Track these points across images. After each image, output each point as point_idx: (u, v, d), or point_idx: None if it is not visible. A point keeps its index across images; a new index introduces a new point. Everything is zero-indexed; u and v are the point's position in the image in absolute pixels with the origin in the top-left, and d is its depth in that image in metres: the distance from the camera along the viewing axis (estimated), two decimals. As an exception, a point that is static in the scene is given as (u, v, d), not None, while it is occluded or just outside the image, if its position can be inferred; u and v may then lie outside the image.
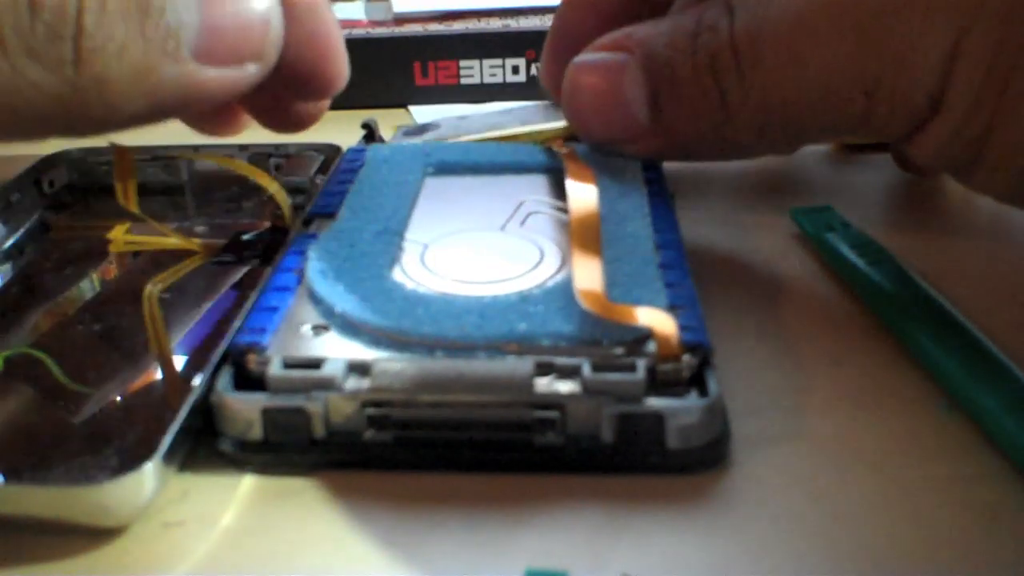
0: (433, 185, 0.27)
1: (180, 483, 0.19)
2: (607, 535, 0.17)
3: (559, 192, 0.27)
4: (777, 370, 0.22)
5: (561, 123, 0.30)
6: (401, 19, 0.44)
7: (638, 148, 0.27)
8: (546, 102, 0.32)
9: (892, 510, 0.18)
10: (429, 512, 0.18)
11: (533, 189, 0.27)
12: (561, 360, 0.19)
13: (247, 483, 0.19)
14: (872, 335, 0.23)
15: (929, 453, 0.19)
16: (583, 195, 0.24)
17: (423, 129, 0.33)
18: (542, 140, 0.30)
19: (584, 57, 0.27)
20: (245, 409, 0.19)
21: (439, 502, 0.18)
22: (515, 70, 0.41)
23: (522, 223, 0.25)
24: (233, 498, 0.18)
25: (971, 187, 0.24)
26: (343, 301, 0.21)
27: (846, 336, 0.23)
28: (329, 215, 0.25)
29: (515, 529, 0.17)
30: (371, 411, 0.19)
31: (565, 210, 0.25)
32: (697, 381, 0.19)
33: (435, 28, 0.43)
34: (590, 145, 0.28)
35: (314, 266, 0.22)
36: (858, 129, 0.24)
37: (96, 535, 0.18)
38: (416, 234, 0.24)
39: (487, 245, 0.24)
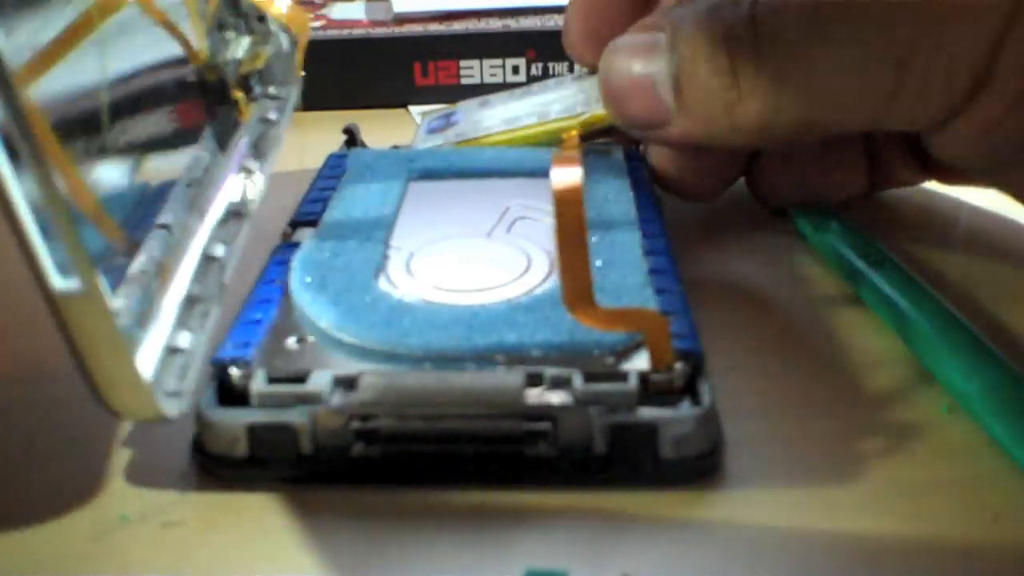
0: (417, 191, 0.27)
1: (180, 484, 0.19)
2: (606, 539, 0.17)
3: (545, 196, 0.26)
4: (774, 371, 0.22)
5: (579, 115, 0.29)
6: (401, 19, 0.44)
7: (668, 134, 0.26)
8: (569, 75, 0.31)
9: (891, 512, 0.17)
10: (424, 519, 0.18)
11: (519, 194, 0.27)
12: (551, 371, 0.18)
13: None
14: (871, 336, 0.23)
15: (929, 454, 0.19)
16: (569, 199, 0.23)
17: (446, 123, 0.32)
18: (559, 137, 0.29)
19: (619, 39, 0.26)
20: (229, 425, 0.18)
21: (434, 510, 0.18)
22: (515, 70, 0.41)
23: (508, 229, 0.25)
24: (233, 499, 0.18)
25: (1003, 188, 0.22)
26: (327, 313, 0.20)
27: (845, 337, 0.23)
28: (311, 223, 0.25)
29: (513, 533, 0.17)
30: (358, 425, 0.18)
31: (552, 214, 0.25)
32: (689, 389, 0.19)
33: (435, 28, 0.43)
34: (627, 132, 0.27)
35: (297, 277, 0.22)
36: (886, 112, 0.22)
37: (96, 535, 0.18)
38: (401, 242, 0.24)
39: (473, 252, 0.24)
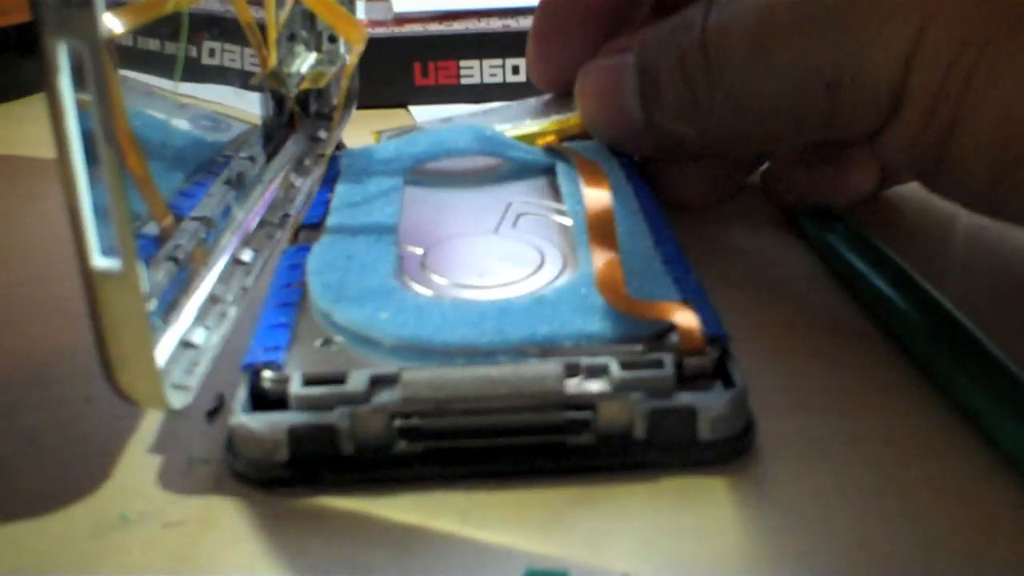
0: (415, 192, 0.27)
1: (181, 484, 0.19)
2: (605, 535, 0.17)
3: (544, 192, 0.27)
4: (776, 371, 0.22)
5: (550, 120, 0.30)
6: (401, 19, 0.44)
7: (640, 147, 0.28)
8: (531, 100, 0.32)
9: (891, 511, 0.17)
10: (423, 521, 0.18)
11: (518, 191, 0.27)
12: (587, 360, 0.19)
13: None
14: (872, 336, 0.23)
15: (929, 453, 0.19)
16: (598, 191, 0.24)
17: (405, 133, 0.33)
18: (535, 140, 0.30)
19: (593, 61, 0.28)
20: (270, 430, 0.18)
21: (433, 511, 0.18)
22: (515, 70, 0.42)
23: (514, 224, 0.25)
24: (233, 500, 0.18)
25: (937, 192, 0.24)
26: (355, 313, 0.20)
27: (846, 337, 0.23)
28: (315, 226, 0.25)
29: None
30: (401, 423, 0.18)
31: (556, 210, 0.26)
32: (717, 373, 0.19)
33: (435, 28, 0.43)
34: (602, 144, 0.29)
35: (316, 280, 0.22)
36: (827, 126, 0.23)
37: (96, 535, 0.18)
38: (410, 240, 0.24)
39: (485, 248, 0.24)
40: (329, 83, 0.32)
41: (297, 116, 0.31)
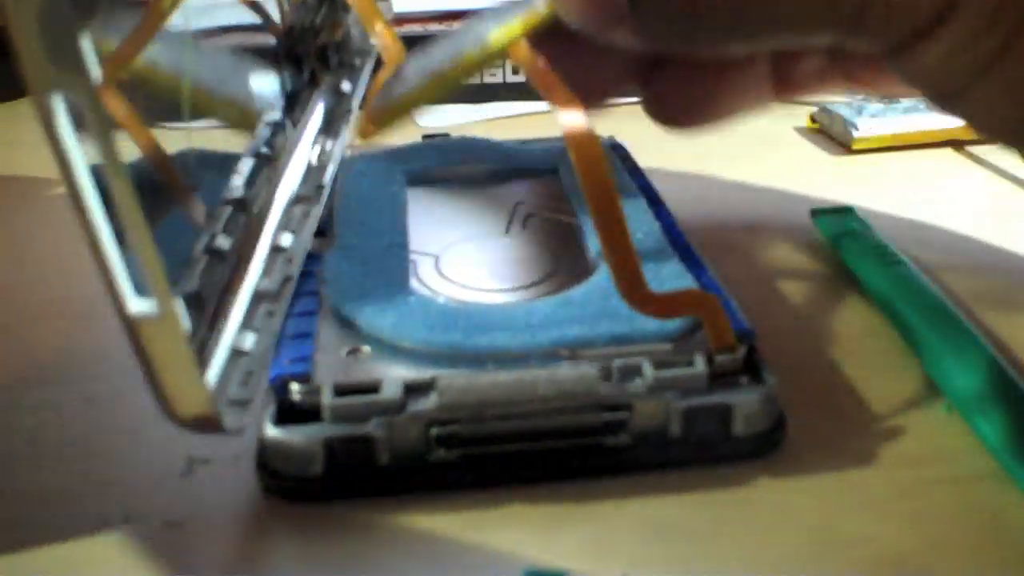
0: (420, 195, 0.27)
1: (181, 484, 0.19)
2: (606, 537, 0.18)
3: (550, 192, 0.27)
4: (781, 371, 0.21)
5: (515, 21, 0.26)
6: (401, 19, 0.44)
7: (620, 35, 0.24)
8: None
9: (891, 511, 0.18)
10: (421, 522, 0.18)
11: (524, 191, 0.27)
12: (620, 361, 0.19)
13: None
14: (879, 336, 0.23)
15: (929, 454, 0.19)
16: (607, 205, 0.22)
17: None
18: (504, 46, 0.26)
19: None
20: (305, 443, 0.18)
21: (432, 514, 0.18)
22: (515, 70, 0.42)
23: (523, 225, 0.25)
24: (233, 499, 0.18)
25: (958, 113, 0.21)
26: (381, 321, 0.20)
27: (857, 336, 0.23)
28: (320, 233, 0.24)
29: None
30: (438, 431, 0.18)
31: (563, 211, 0.26)
32: (746, 368, 0.19)
33: (435, 28, 0.43)
34: (577, 31, 0.25)
35: (335, 288, 0.21)
36: (848, 34, 0.20)
37: (97, 535, 0.18)
38: (422, 246, 0.24)
39: (499, 251, 0.24)
40: (346, 32, 0.30)
41: (319, 72, 0.29)
